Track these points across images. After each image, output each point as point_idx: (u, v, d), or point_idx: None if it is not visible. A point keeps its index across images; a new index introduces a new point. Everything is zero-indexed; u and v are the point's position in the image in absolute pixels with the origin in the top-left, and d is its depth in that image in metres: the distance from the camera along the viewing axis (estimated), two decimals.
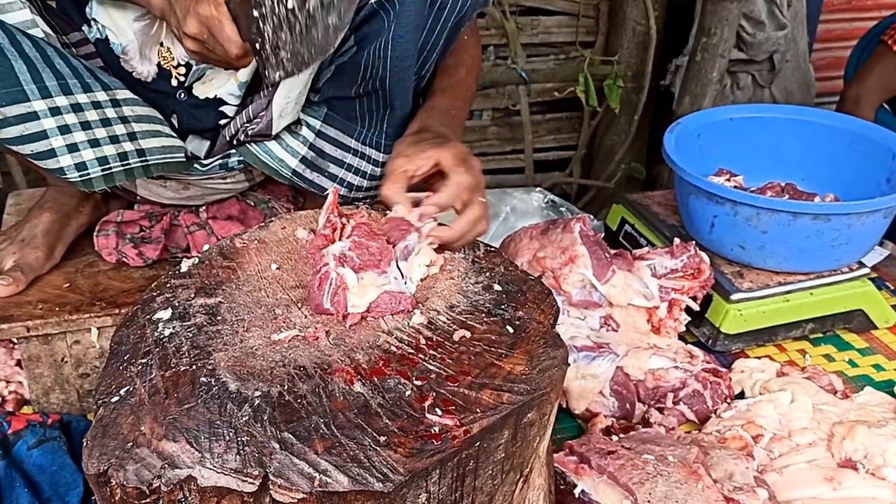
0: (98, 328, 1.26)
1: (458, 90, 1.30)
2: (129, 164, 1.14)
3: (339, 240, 0.94)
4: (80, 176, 1.10)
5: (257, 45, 0.96)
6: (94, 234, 1.36)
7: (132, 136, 1.14)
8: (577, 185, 2.91)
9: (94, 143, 1.10)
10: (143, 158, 1.16)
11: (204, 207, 1.43)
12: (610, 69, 2.67)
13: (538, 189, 2.27)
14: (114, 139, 1.12)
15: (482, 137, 2.82)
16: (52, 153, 1.07)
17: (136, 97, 1.16)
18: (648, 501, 1.02)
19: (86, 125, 1.09)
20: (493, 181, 2.79)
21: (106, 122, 1.11)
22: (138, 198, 1.39)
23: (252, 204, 1.46)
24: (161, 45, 1.21)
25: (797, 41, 2.76)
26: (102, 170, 1.12)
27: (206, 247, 1.01)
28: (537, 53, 2.76)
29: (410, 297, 0.89)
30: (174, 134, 1.22)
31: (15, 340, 1.26)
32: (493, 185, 2.67)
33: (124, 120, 1.13)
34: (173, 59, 1.21)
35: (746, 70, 2.74)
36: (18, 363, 1.31)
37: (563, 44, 2.77)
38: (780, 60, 2.74)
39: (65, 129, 1.07)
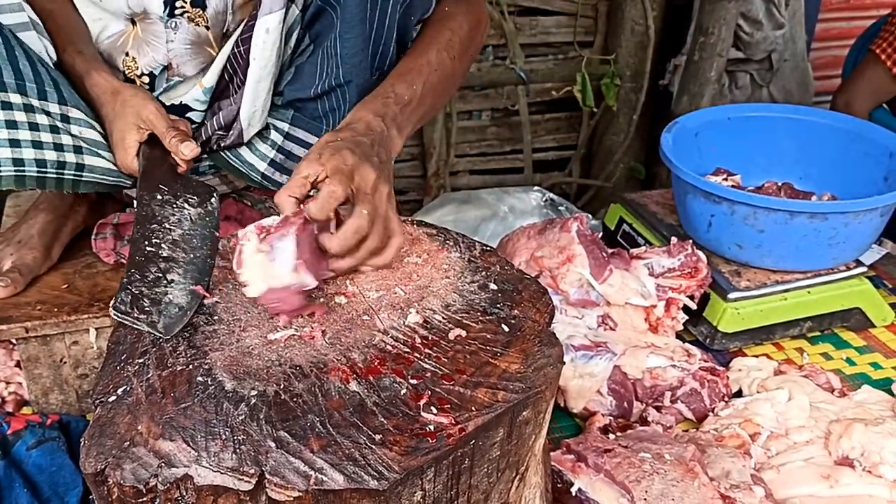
0: (96, 329, 1.26)
1: (421, 73, 1.17)
2: (63, 174, 1.14)
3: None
4: (16, 171, 1.09)
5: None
6: (92, 237, 1.37)
7: (77, 150, 1.14)
8: (577, 185, 2.92)
9: (38, 144, 1.10)
10: (79, 174, 1.16)
11: None
12: (608, 69, 2.68)
13: (537, 188, 2.28)
14: (58, 147, 1.12)
15: (481, 137, 2.82)
16: None
17: (89, 120, 1.15)
18: (645, 499, 1.02)
19: (34, 126, 1.09)
20: (492, 181, 2.80)
21: (54, 129, 1.11)
22: (126, 197, 1.39)
23: (249, 204, 1.46)
24: (126, 54, 1.23)
25: (795, 40, 2.77)
26: (38, 171, 1.11)
27: None
28: (536, 53, 2.77)
29: (300, 295, 0.85)
30: None
31: (14, 341, 1.26)
32: (492, 185, 2.67)
33: (73, 135, 1.13)
34: (137, 68, 1.23)
35: (744, 69, 2.75)
36: (18, 364, 1.32)
37: (561, 44, 2.78)
38: (779, 60, 2.74)
39: (11, 124, 1.07)
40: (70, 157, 1.13)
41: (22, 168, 1.10)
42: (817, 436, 1.24)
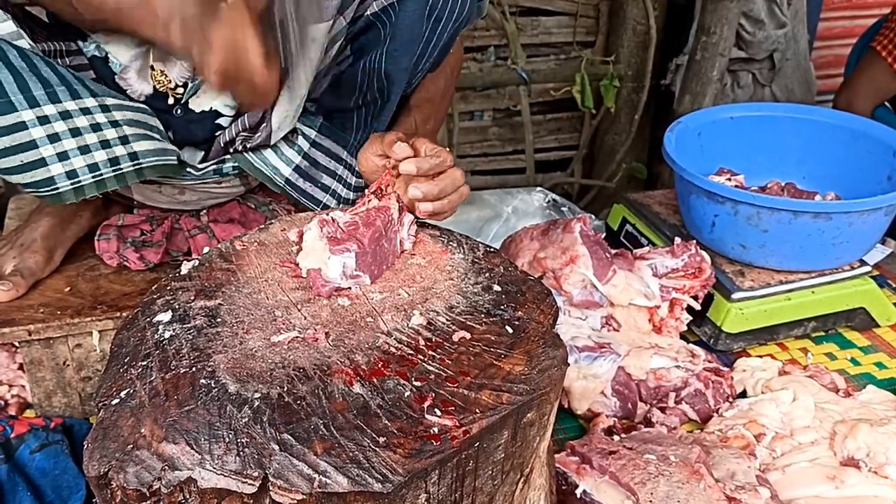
0: (99, 331, 1.26)
1: (434, 103, 1.33)
2: (120, 168, 1.13)
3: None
4: (72, 184, 1.09)
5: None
6: (96, 238, 1.37)
7: (124, 140, 1.13)
8: (579, 185, 2.91)
9: (85, 149, 1.09)
10: (136, 162, 1.15)
11: (205, 211, 1.43)
12: (608, 69, 2.67)
13: (539, 189, 2.27)
14: (104, 144, 1.11)
15: (483, 138, 2.82)
16: (42, 162, 1.06)
17: (125, 102, 1.15)
18: (650, 501, 1.02)
19: (75, 132, 1.08)
20: (494, 181, 2.79)
21: (96, 128, 1.10)
22: (135, 202, 1.39)
23: (253, 207, 1.46)
24: (152, 67, 1.21)
25: (797, 39, 2.76)
26: (94, 176, 1.11)
27: (206, 249, 1.01)
28: (537, 54, 2.76)
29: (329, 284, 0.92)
30: (166, 138, 1.22)
31: (17, 344, 1.26)
32: (494, 186, 2.67)
33: (115, 124, 1.12)
34: (170, 81, 1.21)
35: (747, 69, 2.75)
36: (20, 367, 1.32)
37: (563, 44, 2.78)
38: (781, 59, 2.74)
39: (54, 138, 1.06)
40: (120, 150, 1.12)
41: (77, 179, 1.09)
42: (822, 436, 1.24)
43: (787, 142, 1.74)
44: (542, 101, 2.81)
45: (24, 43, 1.09)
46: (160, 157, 1.20)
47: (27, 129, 1.05)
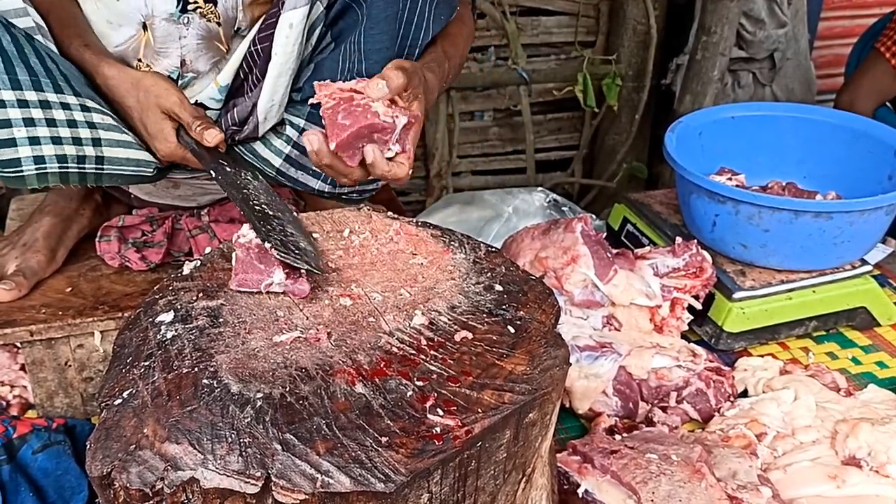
0: (101, 332, 1.26)
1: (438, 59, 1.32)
2: (84, 168, 1.15)
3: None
4: (37, 169, 1.10)
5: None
6: (97, 239, 1.37)
7: (96, 143, 1.14)
8: (579, 185, 2.92)
9: (57, 140, 1.10)
10: (100, 166, 1.16)
11: (206, 211, 1.43)
12: (610, 69, 2.68)
13: (540, 189, 2.27)
14: (76, 141, 1.12)
15: (484, 138, 2.82)
16: (12, 142, 1.08)
17: (106, 109, 1.16)
18: (652, 500, 1.02)
19: (51, 122, 1.09)
20: (494, 181, 2.80)
21: (72, 124, 1.11)
22: (132, 196, 1.39)
23: None
24: (140, 61, 1.22)
25: (798, 39, 2.77)
26: (60, 167, 1.12)
27: (207, 249, 1.02)
28: (538, 54, 2.77)
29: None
30: (144, 148, 1.22)
31: (18, 345, 1.26)
32: (494, 186, 2.67)
33: (91, 125, 1.13)
34: None
35: (747, 68, 2.75)
36: (22, 367, 1.32)
37: (563, 44, 2.78)
38: (781, 58, 2.74)
39: (29, 122, 1.08)
40: (90, 151, 1.14)
41: (43, 165, 1.10)
42: (824, 435, 1.24)
43: (787, 141, 1.74)
44: (543, 101, 2.81)
45: (29, 21, 1.10)
46: (132, 167, 1.20)
47: (5, 107, 1.06)
